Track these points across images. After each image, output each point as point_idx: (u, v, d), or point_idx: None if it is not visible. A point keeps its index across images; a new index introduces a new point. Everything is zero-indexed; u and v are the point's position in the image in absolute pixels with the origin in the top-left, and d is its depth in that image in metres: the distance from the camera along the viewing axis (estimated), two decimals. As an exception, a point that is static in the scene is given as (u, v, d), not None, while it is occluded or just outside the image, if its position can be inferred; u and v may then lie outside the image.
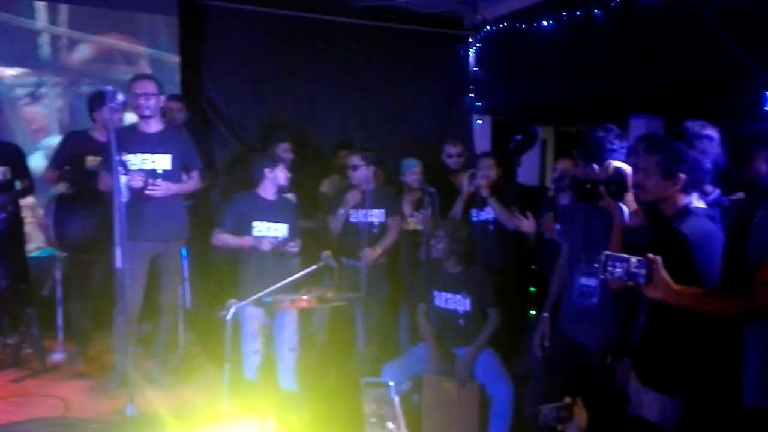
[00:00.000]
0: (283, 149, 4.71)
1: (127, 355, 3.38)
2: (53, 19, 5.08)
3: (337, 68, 5.96)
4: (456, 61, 6.58)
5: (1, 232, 4.06)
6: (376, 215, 4.19)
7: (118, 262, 3.19)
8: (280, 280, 3.29)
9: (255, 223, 3.81)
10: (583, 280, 2.78)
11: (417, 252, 4.32)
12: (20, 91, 5.01)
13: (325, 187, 4.93)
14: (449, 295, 3.60)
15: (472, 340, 3.51)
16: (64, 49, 5.12)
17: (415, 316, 3.78)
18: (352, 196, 4.14)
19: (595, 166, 2.77)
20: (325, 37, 5.93)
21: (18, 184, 4.34)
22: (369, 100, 6.10)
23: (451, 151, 4.69)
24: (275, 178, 3.87)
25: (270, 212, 3.86)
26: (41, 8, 5.04)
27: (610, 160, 2.74)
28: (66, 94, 5.13)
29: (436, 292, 3.64)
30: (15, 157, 4.38)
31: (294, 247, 3.77)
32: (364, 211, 4.13)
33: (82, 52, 5.19)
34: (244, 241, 3.78)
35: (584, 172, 2.81)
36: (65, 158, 4.21)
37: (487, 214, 4.11)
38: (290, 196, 4.34)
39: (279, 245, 3.72)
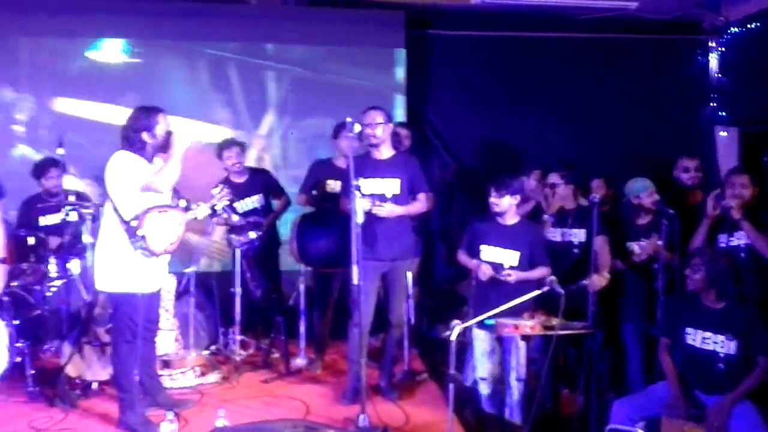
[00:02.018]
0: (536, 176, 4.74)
1: (360, 366, 3.60)
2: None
3: (563, 85, 5.82)
4: (694, 69, 6.00)
5: (259, 249, 4.68)
6: (576, 235, 4.03)
7: (355, 279, 3.46)
8: (506, 303, 3.27)
9: (483, 247, 3.83)
10: None
11: (652, 282, 3.93)
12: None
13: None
14: (708, 335, 3.17)
15: (729, 388, 3.07)
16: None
17: (656, 351, 3.43)
18: (549, 216, 4.08)
19: None
20: (549, 55, 5.82)
21: (275, 204, 4.95)
22: (598, 115, 5.84)
23: (688, 165, 4.26)
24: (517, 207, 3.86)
25: (502, 238, 3.81)
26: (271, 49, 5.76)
27: None
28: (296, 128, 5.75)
29: (689, 329, 3.23)
30: (268, 183, 5.02)
31: (510, 276, 3.69)
32: (563, 230, 4.03)
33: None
34: (471, 263, 3.84)
35: None
36: (311, 184, 4.71)
37: (739, 239, 3.63)
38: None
39: (500, 273, 3.68)
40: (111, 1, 5.53)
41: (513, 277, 3.66)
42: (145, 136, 3.43)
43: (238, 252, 4.57)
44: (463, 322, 3.18)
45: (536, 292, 3.34)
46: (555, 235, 4.13)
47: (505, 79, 5.82)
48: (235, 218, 4.51)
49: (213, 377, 4.29)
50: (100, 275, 3.45)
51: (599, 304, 3.72)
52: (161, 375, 4.10)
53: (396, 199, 3.95)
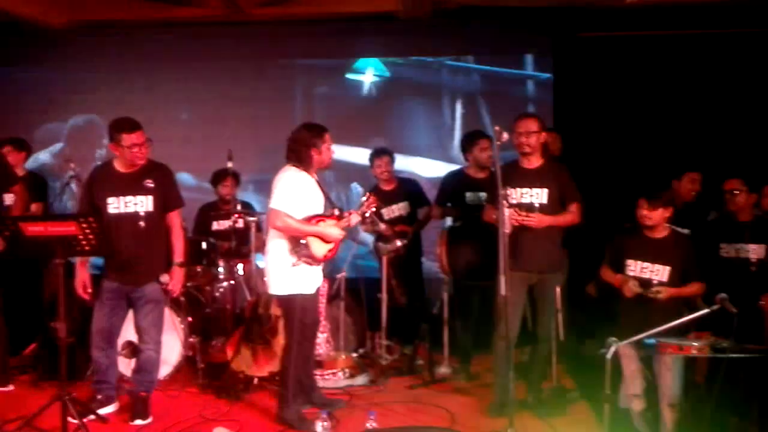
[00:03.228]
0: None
1: (507, 380, 3.53)
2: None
3: (719, 83, 5.38)
4: None
5: (404, 257, 4.78)
6: (755, 251, 3.72)
7: (502, 290, 3.41)
8: (664, 322, 3.05)
9: (628, 262, 3.62)
10: None
11: None
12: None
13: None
14: None
15: None
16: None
17: None
18: None
19: None
20: (704, 53, 5.37)
21: (419, 213, 5.04)
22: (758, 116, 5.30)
23: None
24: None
25: (651, 252, 3.59)
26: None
27: None
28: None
29: None
30: (414, 192, 5.12)
31: (660, 293, 3.42)
32: (738, 246, 3.74)
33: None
34: (616, 279, 3.64)
35: None
36: (446, 196, 4.72)
37: None
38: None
39: (648, 290, 3.44)
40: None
41: (663, 293, 3.40)
42: (313, 153, 3.64)
43: (384, 259, 4.70)
44: (620, 340, 3.02)
45: (705, 311, 3.07)
46: (728, 251, 3.77)
47: (656, 79, 5.46)
48: (382, 226, 4.66)
49: (361, 380, 4.44)
50: (271, 279, 3.68)
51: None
52: (314, 374, 4.32)
53: (544, 209, 3.83)
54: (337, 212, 3.80)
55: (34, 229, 3.27)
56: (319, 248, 3.63)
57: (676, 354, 3.23)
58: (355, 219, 3.84)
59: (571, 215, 3.90)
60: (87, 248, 3.33)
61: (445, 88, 6.06)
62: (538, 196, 3.86)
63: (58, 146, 6.32)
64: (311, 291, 3.70)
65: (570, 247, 4.29)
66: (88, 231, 3.24)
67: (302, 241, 3.55)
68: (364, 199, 3.97)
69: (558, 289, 4.01)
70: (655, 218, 3.61)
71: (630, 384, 3.44)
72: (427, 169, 6.05)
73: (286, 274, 3.60)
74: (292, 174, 3.62)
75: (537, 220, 3.75)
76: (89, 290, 3.78)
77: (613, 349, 3.01)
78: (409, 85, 6.10)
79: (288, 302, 3.64)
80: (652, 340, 3.16)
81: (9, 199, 4.12)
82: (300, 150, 3.62)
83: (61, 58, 6.23)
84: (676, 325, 3.05)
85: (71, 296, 3.74)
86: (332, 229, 3.65)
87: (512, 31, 5.78)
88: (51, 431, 3.42)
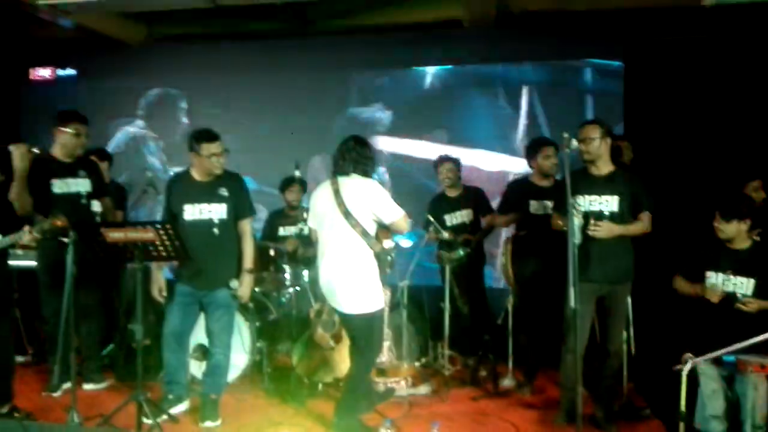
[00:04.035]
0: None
1: (575, 394, 3.44)
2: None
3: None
4: None
5: (467, 266, 4.74)
6: None
7: (571, 302, 3.32)
8: (746, 337, 2.89)
9: (708, 273, 3.46)
10: None
11: None
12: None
13: None
14: None
15: None
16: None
17: None
18: None
19: None
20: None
21: (482, 222, 5.01)
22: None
23: None
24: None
25: (733, 263, 3.43)
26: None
27: None
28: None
29: None
30: (479, 200, 5.09)
31: (751, 304, 3.24)
32: None
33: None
34: (693, 289, 3.48)
35: None
36: (509, 204, 4.66)
37: None
38: None
39: (736, 302, 3.27)
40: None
41: (753, 305, 3.23)
42: (375, 163, 3.68)
43: (447, 268, 4.67)
44: (696, 356, 2.89)
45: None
46: None
47: (733, 84, 5.22)
48: (445, 234, 4.65)
49: (424, 389, 4.42)
50: (356, 299, 3.52)
51: None
52: (377, 382, 4.34)
53: (614, 217, 3.73)
54: None
55: (115, 235, 3.43)
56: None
57: (758, 372, 3.06)
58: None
59: (642, 224, 3.78)
60: (164, 254, 3.48)
61: (509, 80, 6.00)
62: (608, 203, 3.76)
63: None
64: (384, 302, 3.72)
65: (640, 257, 4.15)
66: (164, 237, 3.38)
67: (387, 248, 3.58)
68: None
69: (629, 301, 3.87)
70: (729, 231, 3.47)
71: (709, 404, 3.29)
72: (489, 161, 6.00)
73: (374, 290, 3.56)
74: (371, 183, 3.60)
75: (606, 229, 3.65)
76: (164, 294, 3.94)
77: (689, 365, 2.89)
78: (472, 76, 6.09)
79: (371, 319, 3.58)
80: (731, 357, 3.00)
81: (97, 206, 4.34)
82: (367, 164, 3.62)
83: (139, 70, 6.55)
84: (760, 341, 2.89)
85: (147, 300, 3.92)
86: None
87: (580, 37, 5.66)
88: (126, 429, 3.57)
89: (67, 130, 4.22)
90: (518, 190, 4.65)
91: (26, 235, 3.61)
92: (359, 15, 5.98)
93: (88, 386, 4.41)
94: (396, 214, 3.55)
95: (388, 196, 3.59)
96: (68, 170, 4.27)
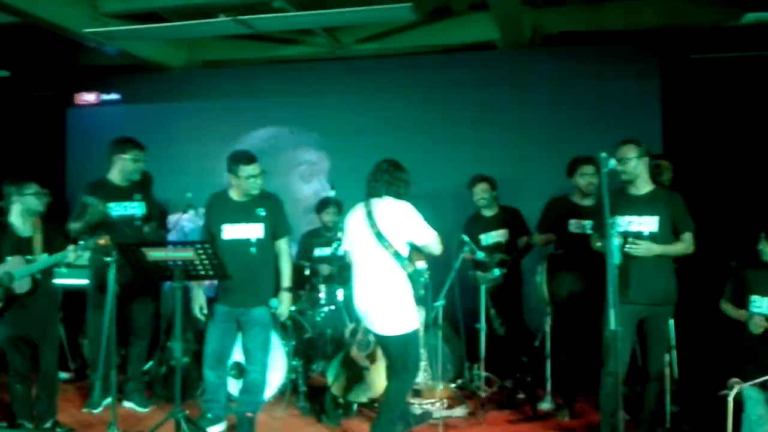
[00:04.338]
0: None
1: (616, 419, 3.36)
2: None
3: None
4: None
5: (503, 286, 4.70)
6: None
7: (612, 324, 3.26)
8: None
9: (753, 298, 3.38)
10: None
11: None
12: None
13: None
14: None
15: None
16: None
17: None
18: None
19: None
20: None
21: (521, 243, 4.98)
22: None
23: None
24: None
25: None
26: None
27: None
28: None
29: None
30: (515, 221, 5.04)
31: None
32: None
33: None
34: (740, 315, 3.39)
35: None
36: (549, 223, 4.61)
37: None
38: None
39: None
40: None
41: None
42: (408, 184, 3.69)
43: (483, 288, 4.63)
44: (743, 381, 2.81)
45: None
46: None
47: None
48: (480, 254, 4.61)
49: (460, 411, 4.37)
50: (392, 321, 3.55)
51: None
52: (412, 403, 4.31)
53: (654, 238, 3.67)
54: None
55: (155, 255, 3.51)
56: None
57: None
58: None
59: (683, 245, 3.71)
60: (203, 273, 3.54)
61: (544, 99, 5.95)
62: (648, 224, 3.70)
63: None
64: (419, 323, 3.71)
65: (683, 279, 4.05)
66: (203, 256, 3.45)
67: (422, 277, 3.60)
68: None
69: (672, 324, 3.78)
70: None
71: (755, 429, 3.17)
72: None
73: (407, 311, 3.58)
74: (403, 204, 3.62)
75: (644, 247, 3.59)
76: (205, 311, 4.00)
77: (735, 390, 2.80)
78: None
79: (406, 340, 3.58)
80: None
81: (146, 228, 4.48)
82: (399, 186, 3.64)
83: (178, 94, 6.73)
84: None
85: (186, 318, 3.98)
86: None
87: (616, 56, 5.62)
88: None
89: (125, 156, 4.36)
90: (557, 209, 4.60)
91: (71, 254, 3.73)
92: (391, 38, 6.05)
93: (128, 404, 4.48)
94: (428, 236, 3.56)
95: (420, 217, 3.60)
96: (124, 194, 4.42)
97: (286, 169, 6.40)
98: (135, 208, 4.44)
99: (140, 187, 4.55)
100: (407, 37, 6.01)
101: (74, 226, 4.19)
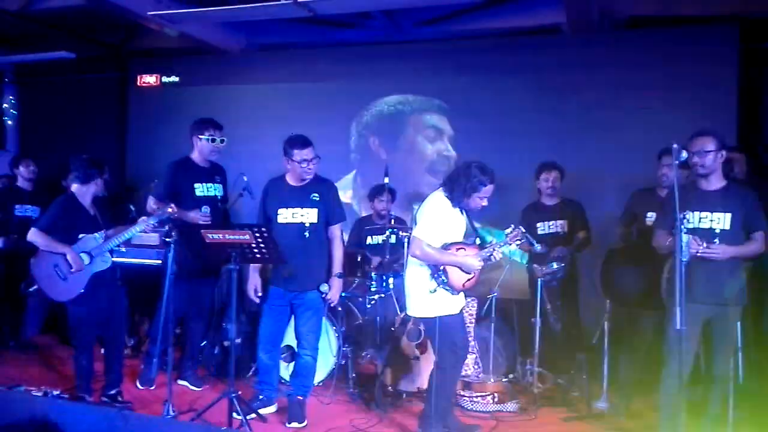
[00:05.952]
0: None
1: (677, 423, 3.22)
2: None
3: None
4: None
5: (560, 280, 4.56)
6: None
7: (677, 323, 3.12)
8: None
9: None
10: None
11: None
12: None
13: None
14: None
15: None
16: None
17: None
18: None
19: None
20: None
21: (578, 237, 4.80)
22: None
23: None
24: None
25: None
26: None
27: None
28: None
29: None
30: (576, 213, 4.90)
31: None
32: None
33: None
34: None
35: None
36: (632, 216, 4.42)
37: None
38: None
39: None
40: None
41: None
42: (467, 198, 3.60)
43: (539, 281, 4.51)
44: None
45: None
46: None
47: None
48: (538, 247, 4.47)
49: (511, 406, 4.28)
50: (411, 303, 3.69)
51: None
52: (462, 396, 4.25)
53: (725, 235, 3.47)
54: (478, 241, 3.74)
55: (214, 237, 3.55)
56: (458, 278, 3.60)
57: None
58: (499, 255, 3.72)
59: (756, 244, 3.50)
60: (258, 256, 3.56)
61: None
62: (720, 221, 3.50)
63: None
64: (455, 311, 3.67)
65: (753, 280, 3.83)
66: (260, 240, 3.46)
67: (440, 269, 3.56)
68: (509, 231, 3.74)
69: (739, 325, 3.58)
70: None
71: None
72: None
73: (426, 298, 3.61)
74: (438, 200, 3.64)
75: (721, 252, 3.40)
76: (260, 293, 4.03)
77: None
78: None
79: (432, 324, 3.60)
80: None
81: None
82: (454, 186, 3.60)
83: (236, 76, 6.78)
84: None
85: (241, 300, 4.02)
86: (471, 260, 3.57)
87: (692, 40, 5.33)
88: (217, 425, 3.66)
89: (203, 136, 4.41)
90: (640, 201, 4.41)
91: (141, 225, 3.93)
92: (451, 21, 5.92)
93: (182, 382, 4.57)
94: (421, 233, 3.57)
95: (435, 216, 3.61)
96: (207, 175, 4.48)
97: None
98: (217, 190, 4.51)
99: (219, 169, 4.60)
100: (467, 20, 5.87)
101: (154, 206, 4.24)
